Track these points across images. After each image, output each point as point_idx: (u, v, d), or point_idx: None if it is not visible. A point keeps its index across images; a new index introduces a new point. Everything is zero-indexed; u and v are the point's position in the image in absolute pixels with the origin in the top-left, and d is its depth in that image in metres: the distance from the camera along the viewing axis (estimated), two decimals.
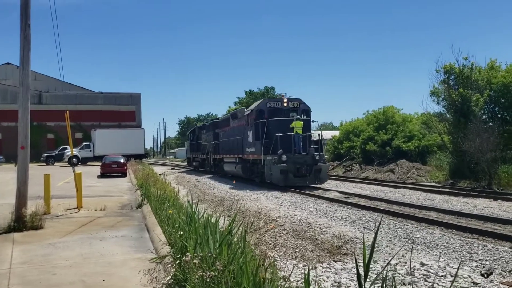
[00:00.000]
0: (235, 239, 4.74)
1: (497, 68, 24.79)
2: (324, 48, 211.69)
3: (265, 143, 20.15)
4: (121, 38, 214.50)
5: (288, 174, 19.16)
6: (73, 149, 38.49)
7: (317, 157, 19.64)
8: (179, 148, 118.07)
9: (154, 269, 5.16)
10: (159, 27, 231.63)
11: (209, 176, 30.80)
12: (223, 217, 11.52)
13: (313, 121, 21.77)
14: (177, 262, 4.79)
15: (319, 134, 22.09)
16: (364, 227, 10.28)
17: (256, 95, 63.83)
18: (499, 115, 23.92)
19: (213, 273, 3.52)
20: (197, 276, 3.68)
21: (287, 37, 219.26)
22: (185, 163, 69.24)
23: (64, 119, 13.78)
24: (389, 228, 10.17)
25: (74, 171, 13.59)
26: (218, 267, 3.57)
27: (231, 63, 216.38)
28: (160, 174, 23.86)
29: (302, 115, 21.17)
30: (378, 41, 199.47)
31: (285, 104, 21.73)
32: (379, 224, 4.00)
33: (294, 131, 19.86)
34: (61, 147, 50.40)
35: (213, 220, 5.79)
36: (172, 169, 47.50)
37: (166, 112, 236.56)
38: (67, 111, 14.43)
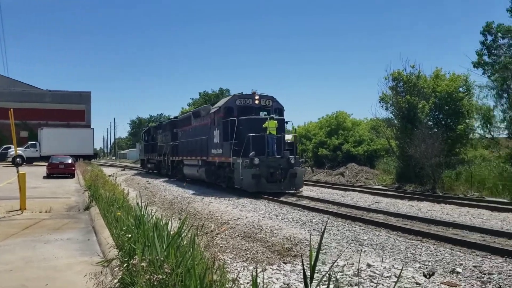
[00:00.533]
0: (185, 242, 4.70)
1: (442, 77, 25.89)
2: (283, 48, 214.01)
3: (235, 144, 18.20)
4: (71, 37, 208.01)
5: (260, 179, 17.56)
6: (18, 148, 36.93)
7: (292, 161, 18.14)
8: (130, 149, 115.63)
9: (101, 272, 5.03)
10: (109, 26, 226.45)
11: (165, 179, 29.03)
12: (174, 220, 11.38)
13: (287, 122, 20.26)
14: (124, 266, 4.69)
15: (294, 136, 20.73)
16: (314, 229, 10.45)
17: (211, 96, 63.64)
18: (443, 122, 24.98)
19: (161, 276, 3.48)
20: (144, 280, 3.62)
21: (240, 39, 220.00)
22: (137, 165, 67.89)
23: (8, 117, 13.22)
24: (338, 230, 10.39)
25: (17, 171, 13.05)
26: (166, 270, 3.53)
27: (184, 64, 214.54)
28: (109, 176, 23.29)
29: (275, 115, 19.40)
30: (337, 43, 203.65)
31: (256, 102, 19.91)
32: (325, 227, 4.09)
33: (267, 132, 18.16)
34: (5, 146, 48.17)
35: (163, 222, 5.71)
36: (122, 170, 46.51)
37: (117, 112, 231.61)
38: (11, 109, 13.85)
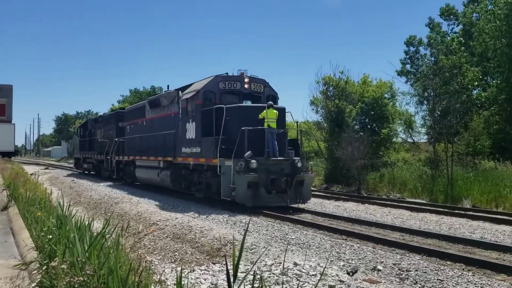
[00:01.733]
0: (109, 243, 4.56)
1: (369, 83, 27.11)
2: (226, 48, 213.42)
3: (222, 141, 13.56)
4: None
5: (259, 189, 13.23)
6: None
7: (298, 164, 13.96)
8: (54, 147, 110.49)
9: (18, 276, 4.76)
10: (34, 15, 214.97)
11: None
12: (99, 221, 11.02)
13: (287, 112, 15.65)
14: (44, 268, 4.47)
15: (297, 130, 16.67)
16: (244, 229, 10.53)
17: (142, 94, 62.26)
18: (369, 126, 26.15)
19: (82, 278, 3.35)
20: (64, 282, 3.47)
21: (174, 36, 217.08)
22: (63, 163, 64.91)
23: None
24: (267, 230, 10.54)
25: None
26: (88, 272, 3.41)
27: (114, 59, 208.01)
28: (31, 174, 22.09)
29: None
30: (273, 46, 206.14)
31: (246, 86, 15.37)
32: (247, 227, 4.13)
33: (265, 125, 13.85)
34: None
35: (86, 223, 5.51)
36: (46, 168, 44.27)
37: (41, 108, 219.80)
38: None
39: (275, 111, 14.22)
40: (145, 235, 10.51)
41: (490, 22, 24.56)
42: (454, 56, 23.47)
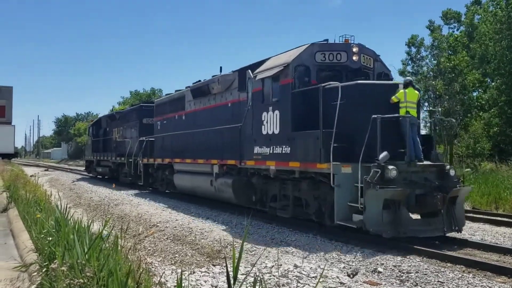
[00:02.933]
0: (109, 245, 4.56)
1: None
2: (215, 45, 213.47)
3: (335, 138, 9.29)
4: None
5: (401, 211, 8.80)
6: None
7: (451, 172, 9.58)
8: (54, 148, 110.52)
9: (17, 278, 4.76)
10: (34, 18, 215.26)
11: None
12: (99, 222, 11.01)
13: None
14: (44, 270, 4.47)
15: (432, 122, 12.92)
16: (244, 231, 10.51)
17: (142, 95, 62.22)
18: None
19: (82, 281, 3.35)
20: (64, 284, 3.46)
21: (173, 37, 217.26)
22: (61, 165, 64.90)
23: None
24: (267, 232, 10.53)
25: None
26: (88, 274, 3.40)
27: (114, 62, 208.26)
28: (31, 176, 22.09)
29: None
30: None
31: (354, 58, 10.96)
32: (246, 229, 4.12)
33: (402, 111, 9.61)
34: None
35: (85, 224, 5.50)
36: (46, 170, 44.25)
37: (41, 109, 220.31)
38: None
39: (416, 91, 10.03)
40: (145, 237, 10.49)
41: (491, 24, 24.61)
42: (455, 56, 23.47)
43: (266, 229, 10.83)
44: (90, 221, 5.96)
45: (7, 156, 46.04)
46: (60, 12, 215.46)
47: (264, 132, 11.36)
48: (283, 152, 10.61)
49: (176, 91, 18.73)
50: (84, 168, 36.69)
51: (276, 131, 10.87)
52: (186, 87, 17.51)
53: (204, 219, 12.57)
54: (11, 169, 26.03)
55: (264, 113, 11.34)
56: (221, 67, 17.30)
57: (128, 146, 23.01)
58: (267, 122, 11.26)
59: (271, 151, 11.09)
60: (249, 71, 12.35)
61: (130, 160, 22.15)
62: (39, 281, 4.37)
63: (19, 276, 4.89)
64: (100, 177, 29.76)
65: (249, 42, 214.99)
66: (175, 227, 10.99)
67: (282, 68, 10.67)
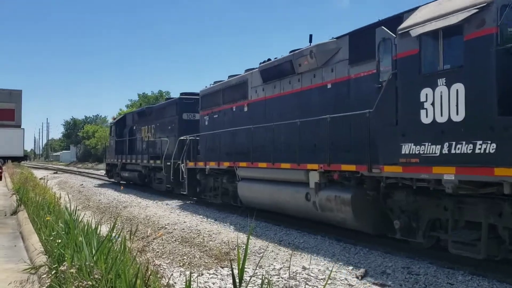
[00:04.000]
0: (117, 247, 4.57)
1: None
2: (219, 48, 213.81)
3: None
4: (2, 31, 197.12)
5: None
6: None
7: None
8: (63, 151, 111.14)
9: (27, 280, 4.79)
10: (42, 23, 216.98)
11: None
12: (108, 225, 11.05)
13: None
14: (53, 272, 4.49)
15: None
16: (252, 233, 10.50)
17: (150, 98, 62.40)
18: None
19: (90, 283, 3.36)
20: (73, 286, 3.48)
21: (178, 41, 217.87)
22: (70, 167, 65.20)
23: None
24: (275, 234, 10.51)
25: None
26: (96, 276, 3.41)
27: (121, 65, 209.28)
28: (40, 179, 22.25)
29: None
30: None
31: None
32: (250, 231, 4.12)
33: None
34: None
35: (93, 226, 5.53)
36: (55, 173, 44.56)
37: (50, 112, 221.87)
38: None
39: None
40: (153, 239, 10.52)
41: None
42: None
43: (274, 231, 10.82)
44: (98, 223, 5.98)
45: (17, 159, 46.47)
46: (69, 17, 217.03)
47: (425, 121, 7.26)
48: (478, 151, 6.49)
49: (229, 76, 15.30)
50: (104, 172, 31.60)
51: (457, 118, 6.82)
52: (247, 70, 14.29)
53: (212, 221, 12.58)
54: (20, 172, 26.24)
55: (426, 90, 7.25)
56: (311, 35, 11.53)
57: (164, 147, 19.37)
58: (432, 103, 7.17)
59: (445, 150, 6.96)
60: (384, 28, 8.46)
61: (168, 163, 18.22)
62: (48, 283, 4.39)
63: (28, 278, 4.92)
64: (124, 182, 25.19)
65: (257, 44, 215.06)
66: (183, 229, 11.01)
67: (475, 11, 6.63)
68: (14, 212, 11.79)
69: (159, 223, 12.05)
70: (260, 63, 13.27)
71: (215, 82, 16.27)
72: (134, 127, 25.19)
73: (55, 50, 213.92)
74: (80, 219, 6.63)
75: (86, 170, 50.88)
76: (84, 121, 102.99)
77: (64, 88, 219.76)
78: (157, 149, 20.79)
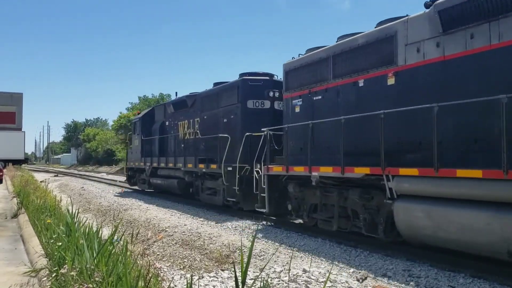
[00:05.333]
0: (118, 250, 4.57)
1: None
2: (220, 50, 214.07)
3: None
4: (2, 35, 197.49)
5: None
6: None
7: None
8: (64, 154, 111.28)
9: (28, 283, 4.79)
10: (43, 29, 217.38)
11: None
12: (109, 227, 11.05)
13: None
14: (53, 275, 4.49)
15: None
16: (252, 236, 10.50)
17: (150, 101, 62.42)
18: None
19: (91, 285, 3.36)
20: None
21: (179, 42, 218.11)
22: (71, 170, 65.15)
23: None
24: (276, 236, 10.50)
25: None
26: (97, 278, 3.41)
27: (122, 67, 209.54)
28: (41, 181, 22.27)
29: None
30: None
31: None
32: (255, 233, 4.12)
33: None
34: None
35: (94, 229, 5.53)
36: (55, 176, 44.55)
37: (50, 115, 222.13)
38: None
39: None
40: (154, 241, 10.52)
41: None
42: None
43: (275, 234, 10.81)
44: (100, 226, 5.99)
45: (18, 162, 46.48)
46: (69, 20, 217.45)
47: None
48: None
49: (307, 51, 11.38)
50: (125, 178, 26.02)
51: None
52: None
53: (212, 223, 12.58)
54: (21, 175, 26.26)
55: None
56: None
57: (223, 147, 14.10)
58: None
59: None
60: None
61: (230, 168, 13.65)
62: (48, 286, 4.39)
63: (29, 281, 4.92)
64: (151, 190, 21.59)
65: (256, 47, 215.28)
66: (183, 232, 11.00)
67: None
68: (15, 215, 11.80)
69: (159, 226, 12.04)
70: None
71: (308, 51, 11.36)
72: (167, 123, 20.02)
73: (56, 53, 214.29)
74: (81, 222, 6.63)
75: (87, 173, 50.88)
76: (85, 124, 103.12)
77: (65, 91, 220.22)
78: (206, 150, 15.89)
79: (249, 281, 5.57)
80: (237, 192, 13.33)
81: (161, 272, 6.20)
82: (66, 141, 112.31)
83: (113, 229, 5.29)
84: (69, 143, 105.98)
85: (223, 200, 14.31)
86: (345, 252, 8.82)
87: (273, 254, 8.53)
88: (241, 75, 14.82)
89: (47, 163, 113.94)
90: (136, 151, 22.70)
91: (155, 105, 23.09)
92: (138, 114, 24.36)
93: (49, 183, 20.73)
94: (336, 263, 8.10)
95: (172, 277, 6.99)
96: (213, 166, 14.73)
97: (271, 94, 14.02)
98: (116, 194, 21.32)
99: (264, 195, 11.63)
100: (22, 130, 59.23)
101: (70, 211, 6.91)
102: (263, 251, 8.77)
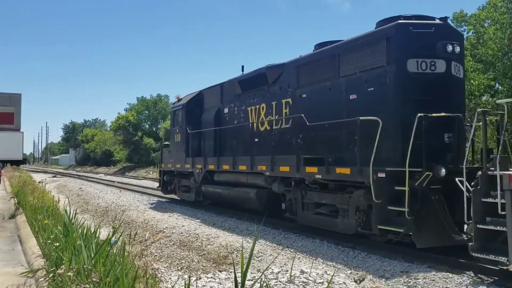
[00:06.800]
0: (115, 250, 4.57)
1: None
2: (210, 53, 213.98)
3: None
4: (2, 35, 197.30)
5: None
6: None
7: None
8: (62, 155, 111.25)
9: (25, 283, 4.78)
10: (44, 29, 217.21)
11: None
12: (107, 228, 11.04)
13: None
14: (50, 276, 4.49)
15: None
16: (251, 237, 10.49)
17: (148, 102, 62.46)
18: None
19: (88, 286, 3.36)
20: None
21: (176, 44, 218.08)
22: (70, 171, 64.94)
23: None
24: (274, 237, 10.50)
25: None
26: (94, 279, 3.41)
27: (120, 69, 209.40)
28: (39, 182, 22.23)
29: None
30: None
31: None
32: (256, 235, 4.12)
33: None
34: None
35: (92, 230, 5.53)
36: (53, 176, 44.47)
37: (49, 116, 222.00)
38: None
39: None
40: (151, 242, 10.51)
41: (498, 30, 24.47)
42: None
43: (273, 235, 10.80)
44: (97, 227, 5.98)
45: (16, 163, 46.20)
46: (67, 21, 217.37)
47: None
48: None
49: None
50: (158, 184, 19.90)
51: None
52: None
53: (210, 224, 12.56)
54: (19, 175, 26.24)
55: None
56: None
57: (368, 137, 8.61)
58: None
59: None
60: None
61: (382, 175, 8.25)
62: (45, 287, 4.39)
63: (26, 281, 4.91)
64: (199, 199, 15.89)
65: (256, 49, 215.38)
66: (181, 233, 11.00)
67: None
68: (13, 216, 11.78)
69: (157, 227, 12.03)
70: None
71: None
72: (226, 110, 14.75)
73: (55, 54, 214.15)
74: (79, 223, 6.62)
75: (86, 174, 50.83)
76: (83, 125, 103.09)
77: (64, 92, 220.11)
78: (311, 145, 10.70)
79: (247, 282, 5.58)
80: (408, 217, 7.67)
81: (159, 273, 6.19)
82: (64, 142, 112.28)
83: (112, 230, 5.28)
84: (68, 143, 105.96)
85: (357, 226, 8.94)
86: (343, 253, 8.81)
87: (271, 255, 8.53)
88: (389, 19, 9.34)
89: (46, 163, 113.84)
90: (178, 149, 17.08)
91: (203, 89, 16.68)
92: (179, 100, 18.20)
93: (47, 183, 20.72)
94: (334, 264, 8.10)
95: (170, 278, 6.99)
96: (343, 170, 9.06)
97: (448, 48, 8.67)
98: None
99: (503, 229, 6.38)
100: (21, 130, 59.09)
101: (68, 211, 6.90)
102: (261, 252, 8.77)
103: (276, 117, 12.14)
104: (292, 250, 9.19)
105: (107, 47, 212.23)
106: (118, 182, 29.63)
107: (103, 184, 30.70)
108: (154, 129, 62.02)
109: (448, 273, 7.15)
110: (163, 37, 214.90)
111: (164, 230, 11.51)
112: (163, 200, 18.81)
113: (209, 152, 15.20)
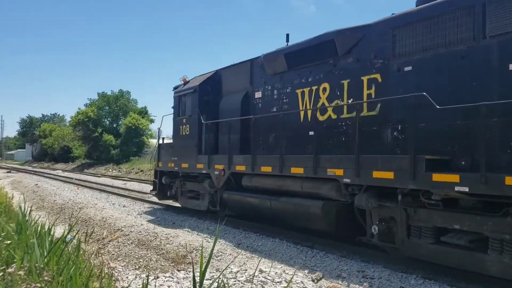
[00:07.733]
0: (70, 249, 4.46)
1: None
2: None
3: None
4: None
5: None
6: None
7: None
8: (18, 150, 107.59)
9: None
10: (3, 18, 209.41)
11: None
12: (63, 226, 10.76)
13: None
14: (0, 275, 4.32)
15: None
16: (211, 236, 10.46)
17: (110, 98, 61.16)
18: None
19: (39, 285, 3.26)
20: None
21: (143, 38, 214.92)
22: (25, 167, 62.82)
23: None
24: (234, 237, 10.51)
25: None
26: (46, 278, 3.31)
27: (80, 61, 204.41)
28: None
29: None
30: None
31: None
32: (217, 234, 4.12)
33: None
34: None
35: (47, 228, 5.37)
36: (8, 172, 42.95)
37: (4, 109, 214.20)
38: None
39: None
40: (109, 241, 10.31)
41: None
42: None
43: (233, 234, 10.81)
44: (52, 224, 5.82)
45: None
46: (25, 14, 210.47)
47: None
48: None
49: None
50: (152, 188, 16.15)
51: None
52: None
53: (170, 224, 12.45)
54: None
55: None
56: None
57: None
58: None
59: None
60: None
61: None
62: None
63: None
64: (217, 212, 12.63)
65: (224, 48, 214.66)
66: (140, 231, 10.83)
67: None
68: None
69: (115, 225, 11.81)
70: None
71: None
72: (258, 93, 11.52)
73: (12, 47, 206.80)
74: (33, 220, 6.42)
75: (43, 170, 49.31)
76: (41, 119, 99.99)
77: (20, 85, 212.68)
78: (431, 139, 7.22)
79: (206, 282, 5.56)
80: None
81: (116, 272, 6.09)
82: (20, 137, 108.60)
83: (69, 228, 5.15)
84: (24, 138, 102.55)
85: None
86: (301, 253, 8.91)
87: (230, 254, 8.53)
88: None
89: (0, 158, 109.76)
90: (185, 144, 13.51)
91: (220, 68, 13.22)
92: (186, 83, 14.15)
93: (0, 179, 19.97)
94: (293, 263, 8.18)
95: (127, 277, 6.88)
96: None
97: None
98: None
99: None
100: None
101: (23, 208, 6.68)
102: (221, 251, 8.75)
103: (351, 100, 8.79)
104: (251, 250, 9.22)
105: (67, 41, 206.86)
106: (76, 179, 28.90)
107: (60, 181, 29.86)
108: (114, 125, 60.78)
109: (402, 273, 7.36)
110: (124, 30, 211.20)
111: (123, 229, 11.31)
112: (121, 197, 18.58)
113: (234, 148, 11.59)
